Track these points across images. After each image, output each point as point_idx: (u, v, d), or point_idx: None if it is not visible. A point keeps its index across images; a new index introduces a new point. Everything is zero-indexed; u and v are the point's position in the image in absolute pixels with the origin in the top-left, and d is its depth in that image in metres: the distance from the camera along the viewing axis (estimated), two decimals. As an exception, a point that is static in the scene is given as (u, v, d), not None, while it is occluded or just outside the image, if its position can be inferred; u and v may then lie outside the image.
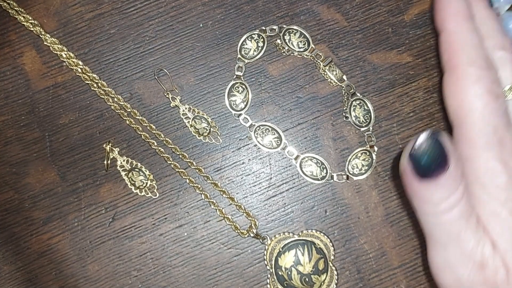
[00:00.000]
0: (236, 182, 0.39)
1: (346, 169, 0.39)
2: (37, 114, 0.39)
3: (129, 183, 0.38)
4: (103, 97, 0.39)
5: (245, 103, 0.39)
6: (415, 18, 0.40)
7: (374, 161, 0.39)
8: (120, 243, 0.38)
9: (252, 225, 0.38)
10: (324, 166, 0.39)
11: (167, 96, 0.39)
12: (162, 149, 0.39)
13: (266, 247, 0.38)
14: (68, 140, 0.39)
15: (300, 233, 0.38)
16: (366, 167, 0.39)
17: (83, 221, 0.38)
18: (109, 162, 0.38)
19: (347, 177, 0.39)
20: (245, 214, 0.38)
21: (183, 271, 0.38)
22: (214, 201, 0.38)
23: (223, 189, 0.38)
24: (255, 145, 0.39)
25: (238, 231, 0.38)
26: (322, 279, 0.37)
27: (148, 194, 0.38)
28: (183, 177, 0.38)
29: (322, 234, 0.38)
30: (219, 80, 0.40)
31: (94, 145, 0.39)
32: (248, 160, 0.39)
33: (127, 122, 0.39)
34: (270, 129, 0.39)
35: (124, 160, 0.38)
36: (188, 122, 0.39)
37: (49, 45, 0.39)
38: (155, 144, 0.39)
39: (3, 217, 0.38)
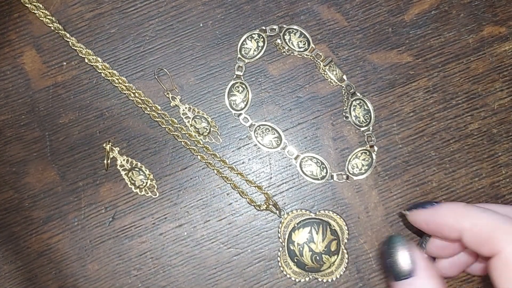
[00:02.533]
0: (236, 181, 0.39)
1: (346, 169, 0.39)
2: (37, 113, 0.39)
3: (129, 183, 0.38)
4: (125, 92, 0.39)
5: (245, 102, 0.39)
6: (415, 18, 0.40)
7: (374, 161, 0.39)
8: (120, 243, 0.38)
9: (267, 198, 0.38)
10: (324, 166, 0.39)
11: (167, 95, 0.39)
12: (187, 141, 0.39)
13: (282, 220, 0.38)
14: (68, 139, 0.39)
15: (317, 212, 0.38)
16: (366, 167, 0.39)
17: (83, 221, 0.38)
18: (109, 161, 0.38)
19: (347, 177, 0.39)
20: (257, 188, 0.38)
21: (183, 270, 0.38)
22: (228, 176, 0.38)
23: (231, 165, 0.39)
24: (255, 145, 0.39)
25: (254, 205, 0.38)
26: (332, 261, 0.37)
27: (148, 193, 0.38)
28: (195, 153, 0.39)
29: (338, 216, 0.38)
30: (219, 80, 0.40)
31: (94, 144, 0.39)
32: (248, 159, 0.39)
33: (151, 116, 0.39)
34: (270, 128, 0.39)
35: (124, 160, 0.38)
36: (188, 121, 0.39)
37: (69, 40, 0.39)
38: (180, 136, 0.39)
39: (3, 217, 0.38)
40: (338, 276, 0.37)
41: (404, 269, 0.28)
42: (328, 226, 0.38)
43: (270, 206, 0.38)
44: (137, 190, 0.38)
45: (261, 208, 0.38)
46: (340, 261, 0.37)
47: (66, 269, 0.38)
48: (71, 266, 0.38)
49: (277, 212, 0.38)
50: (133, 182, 0.38)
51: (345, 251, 0.38)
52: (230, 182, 0.38)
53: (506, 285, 0.25)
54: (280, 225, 0.38)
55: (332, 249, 0.37)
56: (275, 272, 0.38)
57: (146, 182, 0.38)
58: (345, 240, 0.38)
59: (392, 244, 0.29)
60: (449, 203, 0.30)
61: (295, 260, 0.37)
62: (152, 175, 0.38)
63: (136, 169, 0.38)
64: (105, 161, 0.38)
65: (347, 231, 0.38)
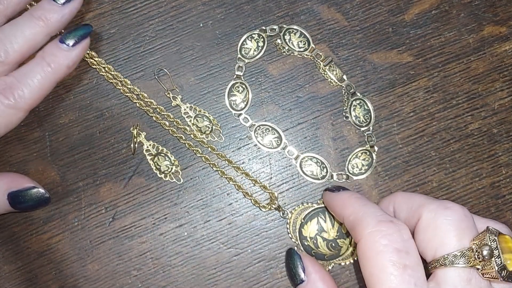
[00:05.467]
0: (237, 181, 0.39)
1: (346, 169, 0.39)
2: (37, 113, 0.39)
3: (154, 168, 0.38)
4: (127, 95, 0.39)
5: (245, 102, 0.39)
6: (415, 17, 0.40)
7: (374, 161, 0.39)
8: (120, 243, 0.38)
9: (272, 198, 0.38)
10: (324, 166, 0.39)
11: (167, 95, 0.39)
12: (191, 143, 0.39)
13: (288, 220, 0.38)
14: (68, 139, 0.39)
15: (318, 201, 0.38)
16: (366, 167, 0.39)
17: (83, 221, 0.38)
18: (136, 145, 0.38)
19: (347, 177, 0.39)
20: (262, 188, 0.38)
21: (183, 270, 0.38)
22: (232, 177, 0.39)
23: (238, 166, 0.39)
24: (255, 145, 0.39)
25: (259, 205, 0.38)
26: (348, 242, 0.37)
27: (172, 179, 0.38)
28: (198, 154, 0.39)
29: None
30: (219, 80, 0.40)
31: (94, 144, 0.39)
32: (248, 159, 0.39)
33: (154, 118, 0.39)
34: (270, 128, 0.39)
35: (150, 145, 0.38)
36: (190, 120, 0.39)
37: None
38: (184, 138, 0.39)
39: (3, 217, 0.38)
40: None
41: (298, 276, 0.34)
42: None
43: (276, 206, 0.38)
44: (162, 175, 0.38)
45: (266, 209, 0.38)
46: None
47: (66, 269, 0.38)
48: (71, 266, 0.38)
49: (281, 213, 0.38)
50: (158, 167, 0.38)
51: None
52: (234, 183, 0.38)
53: (364, 268, 0.29)
54: (288, 225, 0.38)
55: (344, 231, 0.38)
56: (275, 272, 0.38)
57: (172, 168, 0.38)
58: None
59: (288, 256, 0.35)
60: (345, 192, 0.35)
61: (313, 254, 0.38)
62: (177, 161, 0.38)
63: (162, 154, 0.38)
64: (132, 145, 0.38)
65: None
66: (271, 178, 0.39)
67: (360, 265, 0.29)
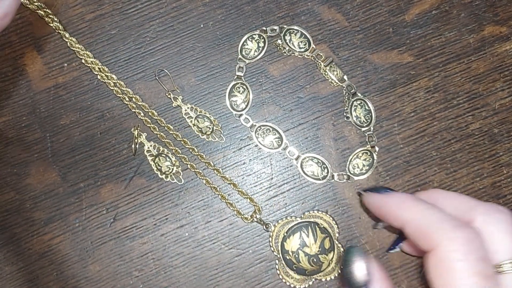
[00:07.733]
0: (237, 182, 0.39)
1: (347, 169, 0.39)
2: (38, 115, 0.39)
3: (155, 168, 0.38)
4: (119, 96, 0.39)
5: (246, 103, 0.39)
6: (415, 18, 0.40)
7: (375, 161, 0.39)
8: (121, 244, 0.38)
9: (256, 211, 0.38)
10: (325, 166, 0.39)
11: (168, 96, 0.39)
12: (178, 149, 0.39)
13: (270, 233, 0.38)
14: (69, 140, 0.39)
15: (302, 216, 0.38)
16: (367, 167, 0.39)
17: (84, 222, 0.38)
18: (137, 146, 0.38)
19: (348, 177, 0.39)
20: (248, 199, 0.38)
21: (184, 271, 0.38)
22: (216, 186, 0.38)
23: (224, 175, 0.39)
24: (256, 145, 0.39)
25: (241, 216, 0.38)
26: (330, 258, 0.37)
27: (174, 180, 0.38)
28: (185, 162, 0.39)
29: (324, 213, 0.38)
30: (220, 81, 0.40)
31: (95, 145, 0.39)
32: (249, 160, 0.39)
33: (144, 122, 0.39)
34: (271, 129, 0.39)
35: (151, 145, 0.38)
36: (191, 121, 0.39)
37: (67, 40, 0.39)
38: (172, 144, 0.39)
39: (4, 218, 0.38)
40: (339, 272, 0.37)
41: (360, 280, 0.28)
42: (316, 226, 0.38)
43: (257, 219, 0.38)
44: (163, 176, 0.38)
45: (248, 220, 0.38)
46: (337, 256, 0.37)
47: (67, 271, 0.38)
48: (72, 267, 0.38)
49: (264, 226, 0.38)
50: (159, 168, 0.38)
51: (339, 245, 0.38)
52: (218, 192, 0.38)
53: (438, 279, 0.27)
54: (270, 238, 0.38)
55: (327, 247, 0.37)
56: (277, 272, 0.38)
57: (172, 169, 0.38)
58: (337, 235, 0.38)
59: (349, 255, 0.29)
60: (399, 194, 0.31)
61: (294, 268, 0.37)
62: (178, 162, 0.38)
63: (163, 155, 0.38)
64: (133, 146, 0.38)
65: (336, 225, 0.38)
66: (272, 178, 0.39)
67: (432, 274, 0.27)
